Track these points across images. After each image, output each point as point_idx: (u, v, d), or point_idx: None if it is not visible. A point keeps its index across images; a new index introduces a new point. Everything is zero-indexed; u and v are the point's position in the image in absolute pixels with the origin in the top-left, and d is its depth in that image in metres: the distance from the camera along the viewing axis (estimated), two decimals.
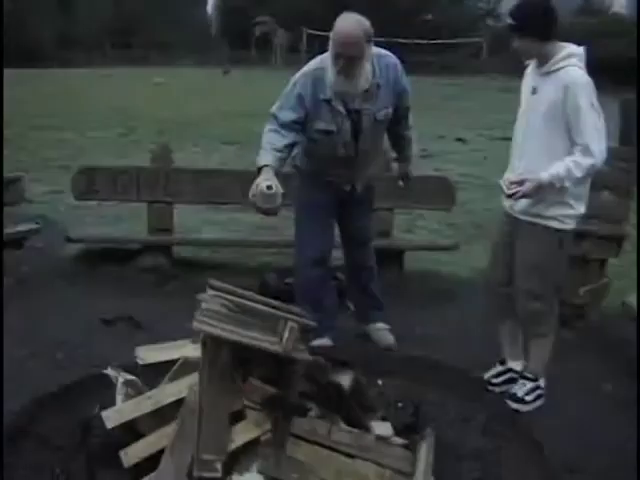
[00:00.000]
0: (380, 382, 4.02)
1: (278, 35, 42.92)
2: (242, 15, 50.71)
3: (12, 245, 5.45)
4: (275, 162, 3.74)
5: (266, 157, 3.77)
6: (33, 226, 5.82)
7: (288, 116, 3.92)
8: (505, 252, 3.94)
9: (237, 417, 2.99)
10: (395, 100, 4.18)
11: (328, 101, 4.00)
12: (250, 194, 3.60)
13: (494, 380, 4.17)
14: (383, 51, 4.12)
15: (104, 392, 3.42)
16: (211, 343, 2.99)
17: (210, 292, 3.23)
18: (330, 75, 3.93)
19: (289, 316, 3.05)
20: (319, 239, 4.39)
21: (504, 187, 3.68)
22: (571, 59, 3.59)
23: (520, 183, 3.61)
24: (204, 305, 3.02)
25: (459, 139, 14.51)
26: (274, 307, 3.16)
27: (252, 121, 15.41)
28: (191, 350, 3.33)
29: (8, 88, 18.12)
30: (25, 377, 3.95)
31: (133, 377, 3.30)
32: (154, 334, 4.60)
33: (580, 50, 3.66)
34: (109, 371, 3.40)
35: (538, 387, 3.95)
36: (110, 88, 22.73)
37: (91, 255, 5.90)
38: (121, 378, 3.27)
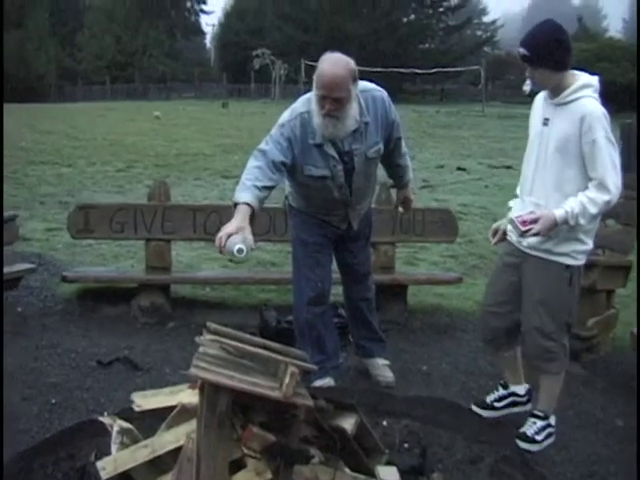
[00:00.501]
0: (385, 423, 3.90)
1: (276, 67, 43.05)
2: (240, 48, 51.08)
3: (7, 285, 5.34)
4: (255, 201, 3.52)
5: (246, 194, 3.54)
6: (28, 266, 5.71)
7: (276, 156, 3.76)
8: (512, 283, 3.81)
9: (237, 466, 2.88)
10: (385, 134, 4.10)
11: (319, 146, 3.91)
12: (219, 237, 3.30)
13: (496, 404, 4.08)
14: (368, 85, 4.03)
15: (100, 438, 3.32)
16: (209, 389, 2.87)
17: (208, 336, 3.12)
18: (316, 120, 3.82)
19: (289, 360, 2.94)
20: (317, 277, 4.28)
21: (518, 224, 3.52)
22: (586, 90, 3.50)
23: (534, 221, 3.48)
24: (201, 349, 2.91)
25: (459, 168, 14.46)
26: (274, 350, 3.06)
27: (250, 156, 15.51)
28: (189, 396, 3.21)
29: (8, 123, 18.29)
30: (18, 422, 3.84)
31: (129, 425, 3.17)
32: (152, 376, 4.54)
33: (595, 80, 3.56)
34: (104, 418, 3.28)
35: (549, 425, 3.83)
36: (109, 122, 22.75)
37: (88, 294, 5.78)
38: (116, 426, 3.15)
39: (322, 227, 4.26)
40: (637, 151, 4.29)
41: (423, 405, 4.10)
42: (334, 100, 3.71)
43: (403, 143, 4.31)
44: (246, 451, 2.87)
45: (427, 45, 55.82)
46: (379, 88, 4.07)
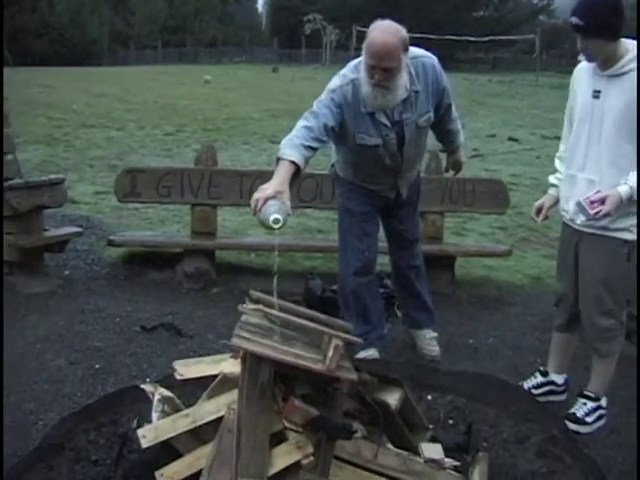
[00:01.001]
0: (430, 397, 3.81)
1: (327, 32, 42.71)
2: (292, 12, 50.72)
3: (55, 248, 5.36)
4: (300, 160, 3.35)
5: (293, 152, 3.36)
6: (75, 229, 5.72)
7: (328, 120, 3.61)
8: (573, 266, 3.68)
9: (278, 439, 2.82)
10: (436, 101, 3.98)
11: (371, 114, 3.79)
12: (255, 199, 3.10)
13: (534, 391, 3.99)
14: (418, 51, 3.88)
15: (142, 404, 3.29)
16: (251, 359, 2.81)
17: (250, 305, 3.06)
18: (365, 89, 3.68)
19: (333, 332, 2.87)
20: (364, 247, 4.19)
21: (586, 207, 3.33)
22: None
23: (601, 201, 3.30)
24: (243, 318, 2.85)
25: (510, 138, 14.19)
26: (318, 321, 2.99)
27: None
28: (230, 365, 3.16)
29: (62, 86, 18.44)
30: (62, 387, 3.86)
31: (170, 393, 3.14)
32: (195, 343, 4.51)
33: None
34: (146, 386, 3.26)
35: (600, 407, 3.72)
36: (160, 86, 22.81)
37: (134, 258, 5.79)
38: (157, 395, 3.12)
39: (370, 196, 4.16)
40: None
41: (469, 380, 3.99)
42: (384, 70, 3.58)
43: (454, 108, 4.19)
44: (287, 425, 2.81)
45: (481, 13, 54.82)
46: (429, 54, 3.93)
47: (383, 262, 4.68)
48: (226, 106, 17.73)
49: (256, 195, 3.12)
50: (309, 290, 5.06)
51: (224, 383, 3.13)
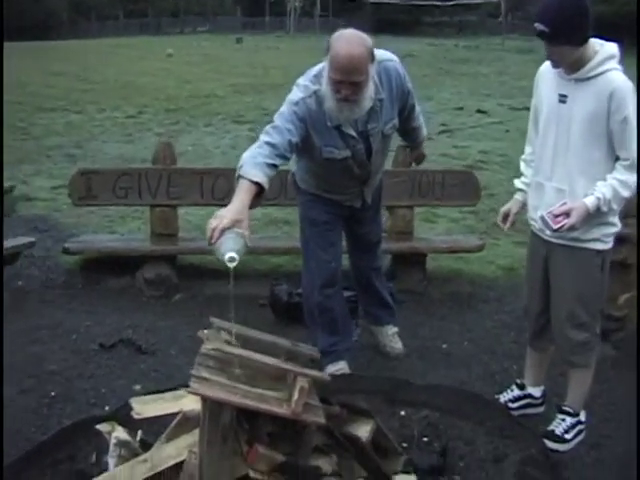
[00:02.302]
0: (403, 413, 3.68)
1: (291, 0, 42.24)
2: None
3: (6, 261, 5.08)
4: (264, 180, 3.09)
5: (256, 171, 3.09)
6: (28, 239, 5.42)
7: (292, 136, 3.38)
8: (542, 278, 3.53)
9: None
10: (400, 105, 3.79)
11: (337, 127, 3.59)
12: (211, 228, 2.86)
13: (511, 405, 3.84)
14: (382, 54, 3.64)
15: (100, 437, 3.09)
16: (211, 402, 2.65)
17: (211, 333, 2.90)
18: (329, 104, 3.46)
19: (298, 370, 2.69)
20: (329, 258, 4.02)
21: (549, 222, 3.19)
22: (611, 61, 3.13)
23: (566, 213, 3.14)
24: (203, 351, 2.68)
25: (479, 111, 14.02)
26: (282, 348, 2.88)
27: (263, 97, 15.16)
28: (191, 402, 2.98)
29: (18, 65, 17.91)
30: (13, 422, 3.57)
31: (126, 436, 2.95)
32: (157, 360, 4.33)
33: (616, 49, 3.19)
34: (101, 426, 3.06)
35: (579, 422, 3.58)
36: (121, 61, 22.41)
37: (91, 265, 5.53)
38: (113, 438, 2.93)
39: (333, 205, 3.98)
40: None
41: (443, 394, 3.84)
42: (351, 84, 3.36)
43: (417, 105, 4.00)
44: (252, 473, 2.64)
45: None
46: (390, 56, 3.71)
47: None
48: (189, 82, 17.43)
49: (212, 224, 2.87)
50: (275, 296, 4.87)
51: (184, 423, 2.95)
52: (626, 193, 3.14)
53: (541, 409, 3.85)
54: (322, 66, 3.51)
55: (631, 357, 4.40)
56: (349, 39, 3.36)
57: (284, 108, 3.48)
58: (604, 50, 3.17)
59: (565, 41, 3.04)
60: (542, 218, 3.23)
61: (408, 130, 4.12)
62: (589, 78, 3.14)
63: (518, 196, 3.63)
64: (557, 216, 3.17)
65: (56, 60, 21.73)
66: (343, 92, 3.38)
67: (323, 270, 4.00)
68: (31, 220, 6.43)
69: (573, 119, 3.19)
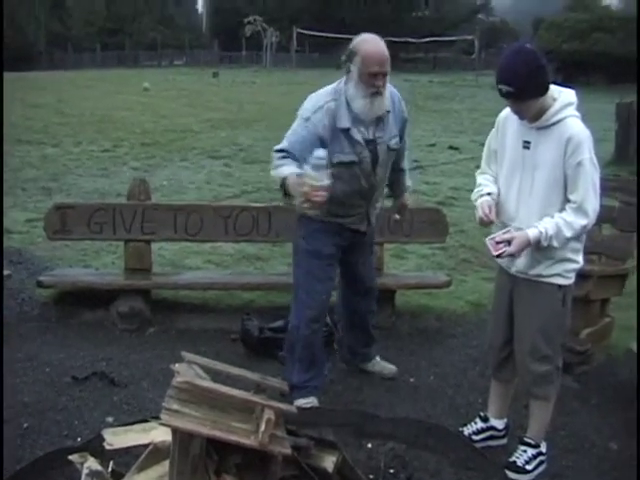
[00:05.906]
0: (370, 445, 3.75)
1: (267, 35, 42.55)
2: (232, 14, 50.46)
3: None
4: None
5: (290, 167, 3.72)
6: (4, 272, 5.46)
7: (303, 153, 3.72)
8: (507, 311, 3.66)
9: None
10: (399, 127, 4.08)
11: (346, 130, 3.84)
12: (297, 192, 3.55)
13: (475, 437, 3.94)
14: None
15: (72, 467, 3.15)
16: (181, 433, 2.73)
17: (182, 367, 2.98)
18: (359, 102, 3.81)
19: (265, 402, 2.78)
20: (323, 291, 4.17)
21: (490, 247, 3.38)
22: (569, 108, 3.32)
23: (507, 241, 3.33)
24: (173, 393, 2.76)
25: (451, 147, 14.25)
26: (250, 381, 2.94)
27: (238, 133, 15.30)
28: (161, 434, 3.05)
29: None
30: None
31: (99, 467, 3.01)
32: (129, 392, 4.37)
33: (573, 96, 3.39)
34: (73, 457, 3.12)
35: (540, 453, 3.68)
36: (97, 95, 22.44)
37: (66, 298, 5.57)
38: (86, 469, 2.99)
39: (337, 235, 4.11)
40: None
41: (410, 427, 3.93)
42: (383, 75, 3.78)
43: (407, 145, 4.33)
44: None
45: (420, 13, 55.20)
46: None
47: None
48: (165, 117, 17.52)
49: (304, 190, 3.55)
50: (246, 331, 4.93)
51: (155, 454, 3.02)
52: (569, 234, 3.30)
53: (504, 441, 3.95)
54: (338, 81, 3.94)
55: (594, 391, 4.56)
56: (373, 38, 3.86)
57: (296, 124, 3.92)
58: (563, 97, 3.35)
59: (531, 96, 3.24)
60: (485, 243, 3.42)
61: (397, 169, 4.30)
62: (549, 125, 3.32)
63: (488, 198, 3.56)
64: (499, 243, 3.34)
65: (33, 91, 21.74)
66: (379, 83, 3.76)
67: (315, 303, 4.12)
68: (6, 253, 6.45)
69: (537, 165, 3.36)
